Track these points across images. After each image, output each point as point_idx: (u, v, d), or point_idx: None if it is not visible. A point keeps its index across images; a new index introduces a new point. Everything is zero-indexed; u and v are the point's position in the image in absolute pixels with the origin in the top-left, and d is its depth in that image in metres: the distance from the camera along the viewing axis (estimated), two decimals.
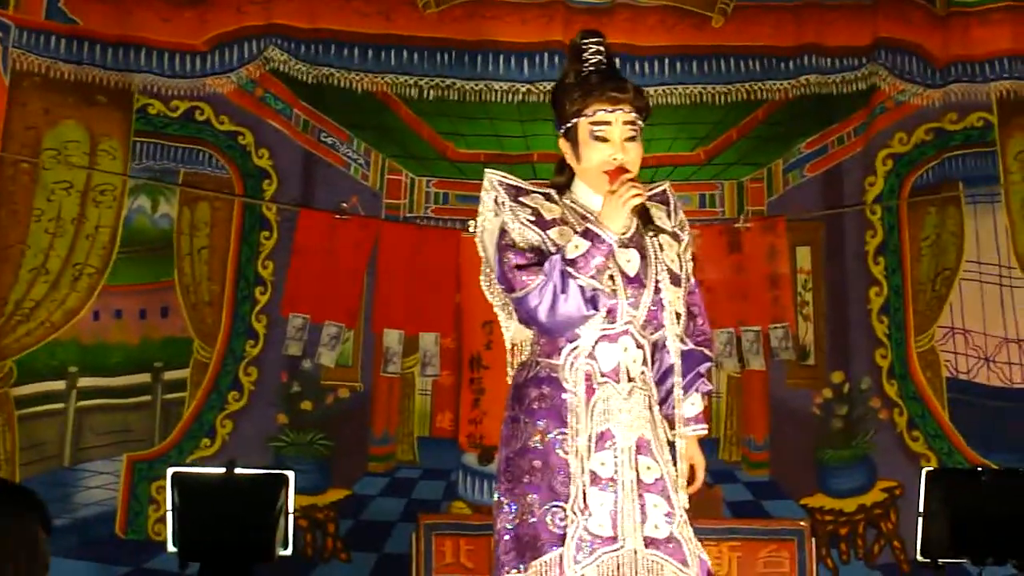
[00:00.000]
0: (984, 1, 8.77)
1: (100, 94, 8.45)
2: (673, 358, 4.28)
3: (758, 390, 8.67)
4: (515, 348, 4.38)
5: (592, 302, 4.06)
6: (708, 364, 4.44)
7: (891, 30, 8.79)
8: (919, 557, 7.13)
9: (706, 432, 4.44)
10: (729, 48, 8.85)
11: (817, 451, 8.62)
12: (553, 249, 4.14)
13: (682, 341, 4.35)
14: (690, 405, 4.40)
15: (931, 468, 7.29)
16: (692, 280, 4.44)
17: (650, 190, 4.44)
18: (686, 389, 4.37)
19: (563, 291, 4.03)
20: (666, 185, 4.53)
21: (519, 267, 4.12)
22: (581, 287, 4.03)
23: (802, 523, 7.76)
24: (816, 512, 8.50)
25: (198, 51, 8.63)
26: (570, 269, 4.04)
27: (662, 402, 4.34)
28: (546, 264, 4.08)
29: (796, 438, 8.67)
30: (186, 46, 8.62)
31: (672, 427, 4.33)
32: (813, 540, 7.61)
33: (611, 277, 4.15)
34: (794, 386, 8.72)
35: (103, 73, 8.45)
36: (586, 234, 4.09)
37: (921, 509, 7.08)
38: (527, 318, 4.19)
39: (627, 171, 4.17)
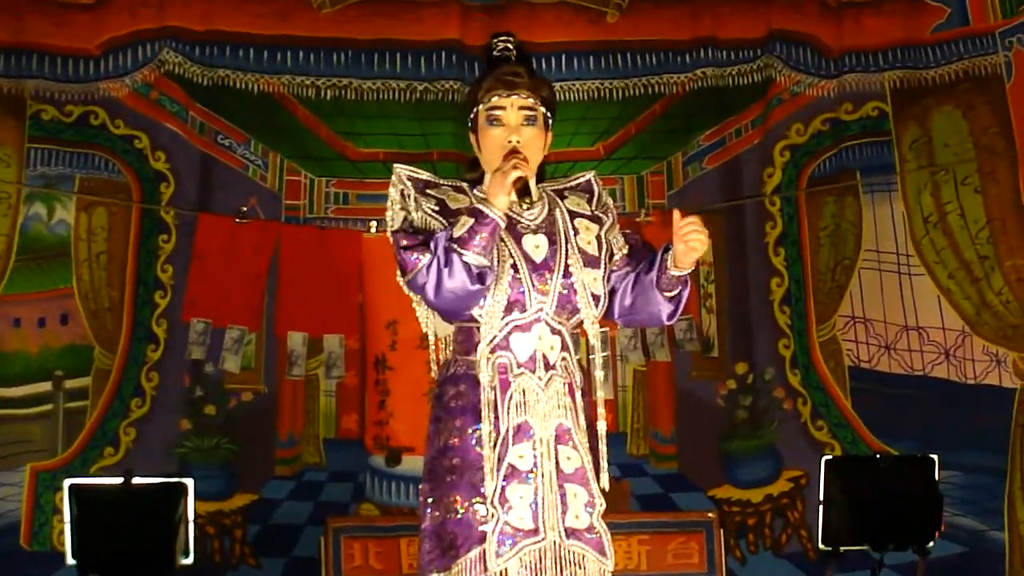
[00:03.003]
0: None
1: None
2: (592, 340, 4.24)
3: (663, 383, 8.70)
4: (438, 343, 4.36)
5: (479, 278, 4.02)
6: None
7: (785, 22, 8.86)
8: (821, 545, 7.14)
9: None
10: (625, 43, 8.88)
11: (723, 442, 8.67)
12: None
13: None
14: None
15: (830, 456, 7.32)
16: (636, 238, 4.43)
17: (575, 179, 4.49)
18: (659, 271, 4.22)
19: (446, 265, 4.00)
20: (591, 174, 4.54)
21: (406, 248, 4.10)
22: (466, 263, 3.99)
23: (710, 515, 7.80)
24: (724, 503, 8.55)
25: (91, 55, 8.53)
26: (455, 245, 4.01)
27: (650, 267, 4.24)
28: (431, 242, 4.06)
29: (702, 430, 8.71)
30: (79, 50, 8.52)
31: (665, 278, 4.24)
32: (722, 531, 7.64)
33: (513, 266, 4.15)
34: (699, 378, 8.77)
35: None
36: (472, 211, 4.08)
37: (821, 497, 7.11)
38: (422, 299, 4.16)
39: (519, 152, 4.16)
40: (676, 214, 4.14)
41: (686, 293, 4.29)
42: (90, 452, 8.29)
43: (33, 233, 8.42)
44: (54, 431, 8.32)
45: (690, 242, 4.10)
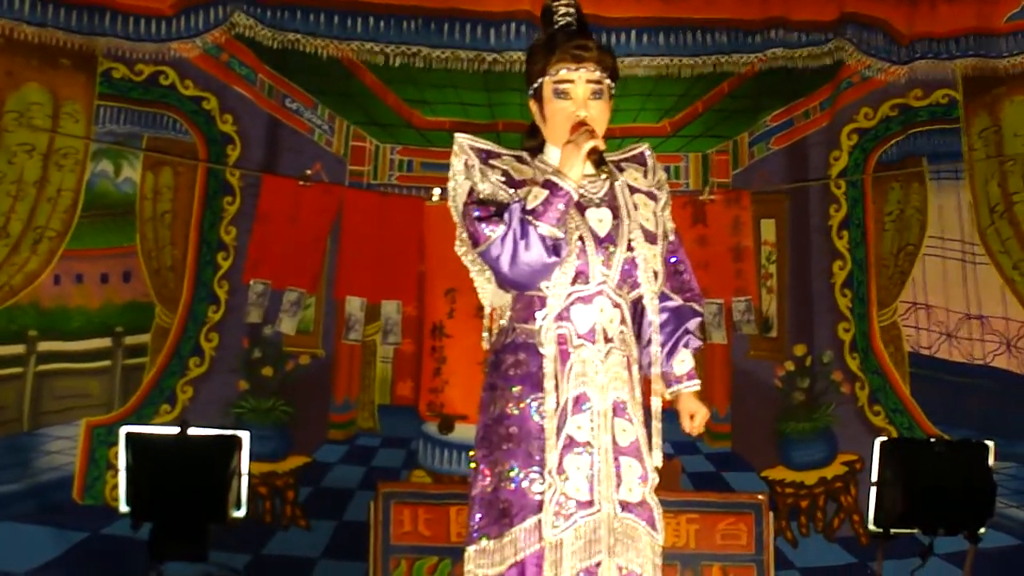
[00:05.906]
0: None
1: (64, 57, 8.39)
2: (651, 315, 4.25)
3: (720, 362, 8.68)
4: (493, 313, 4.36)
5: (554, 250, 4.03)
6: (698, 319, 4.42)
7: (857, 5, 8.80)
8: (871, 527, 7.12)
9: (699, 388, 4.41)
10: (696, 20, 8.83)
11: (778, 423, 8.65)
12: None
13: (670, 297, 4.37)
14: (680, 363, 4.38)
15: (884, 439, 7.27)
16: (675, 237, 4.44)
17: (629, 151, 4.48)
18: (675, 345, 4.36)
19: (523, 238, 4.00)
20: (645, 147, 4.53)
21: (480, 219, 4.09)
22: (541, 235, 4.00)
23: (760, 496, 7.76)
24: (777, 485, 8.53)
25: (164, 15, 8.54)
26: (529, 218, 4.01)
27: (649, 363, 4.34)
28: (506, 215, 4.05)
29: (758, 410, 8.69)
30: (152, 10, 8.54)
31: (663, 386, 4.34)
32: (771, 514, 7.61)
33: (580, 238, 4.15)
34: (756, 358, 8.75)
35: (67, 36, 8.37)
36: (545, 184, 4.08)
37: (874, 479, 7.08)
38: (493, 270, 4.16)
39: (587, 124, 4.16)
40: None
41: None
42: (146, 408, 8.35)
43: (99, 190, 8.46)
44: (111, 386, 8.38)
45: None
